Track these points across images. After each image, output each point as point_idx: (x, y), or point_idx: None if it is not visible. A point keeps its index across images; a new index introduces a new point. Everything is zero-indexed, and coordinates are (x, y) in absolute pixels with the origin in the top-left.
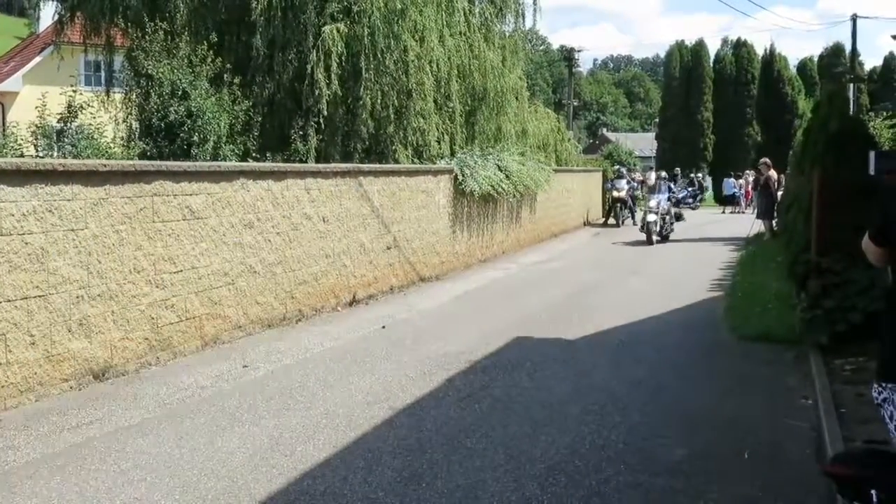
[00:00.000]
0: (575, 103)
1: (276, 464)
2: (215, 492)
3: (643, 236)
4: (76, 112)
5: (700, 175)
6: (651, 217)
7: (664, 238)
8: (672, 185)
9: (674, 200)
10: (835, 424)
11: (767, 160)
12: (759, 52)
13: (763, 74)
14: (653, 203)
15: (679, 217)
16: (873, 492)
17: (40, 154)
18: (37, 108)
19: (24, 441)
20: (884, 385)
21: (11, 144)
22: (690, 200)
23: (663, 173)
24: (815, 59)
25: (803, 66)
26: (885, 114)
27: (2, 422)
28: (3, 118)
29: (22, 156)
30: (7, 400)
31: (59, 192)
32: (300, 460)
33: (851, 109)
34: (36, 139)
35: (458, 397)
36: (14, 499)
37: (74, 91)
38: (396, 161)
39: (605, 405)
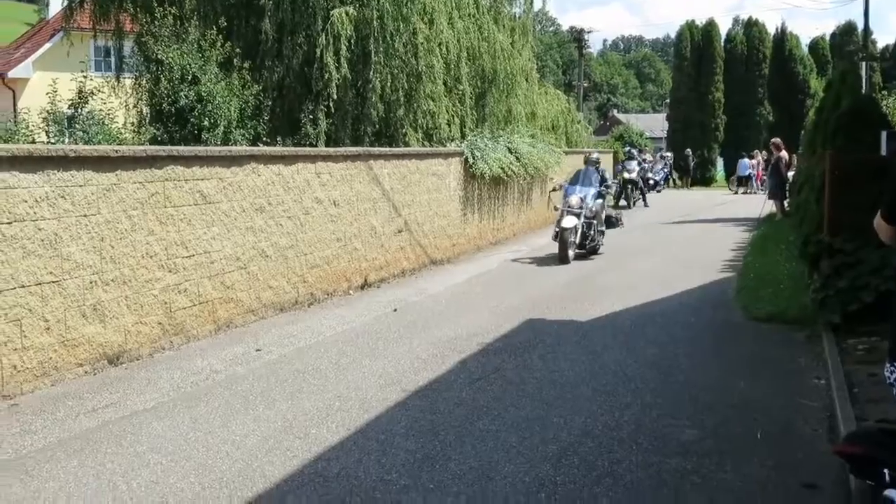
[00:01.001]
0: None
1: (290, 446)
2: (230, 474)
3: (656, 218)
4: (87, 98)
5: (668, 154)
6: (568, 222)
7: (589, 251)
8: (605, 177)
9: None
10: (847, 404)
11: (778, 140)
12: (771, 30)
13: (775, 54)
14: (574, 200)
15: (613, 222)
16: (886, 471)
17: (52, 140)
18: (47, 94)
19: (40, 425)
20: None
21: (23, 131)
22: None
23: (595, 155)
24: (827, 37)
25: (815, 45)
26: None
27: (19, 406)
28: (15, 105)
29: (33, 142)
30: (24, 384)
31: (70, 177)
32: (314, 443)
33: (864, 88)
34: (47, 125)
35: (471, 379)
36: (31, 482)
37: (85, 77)
38: (407, 144)
39: (617, 386)
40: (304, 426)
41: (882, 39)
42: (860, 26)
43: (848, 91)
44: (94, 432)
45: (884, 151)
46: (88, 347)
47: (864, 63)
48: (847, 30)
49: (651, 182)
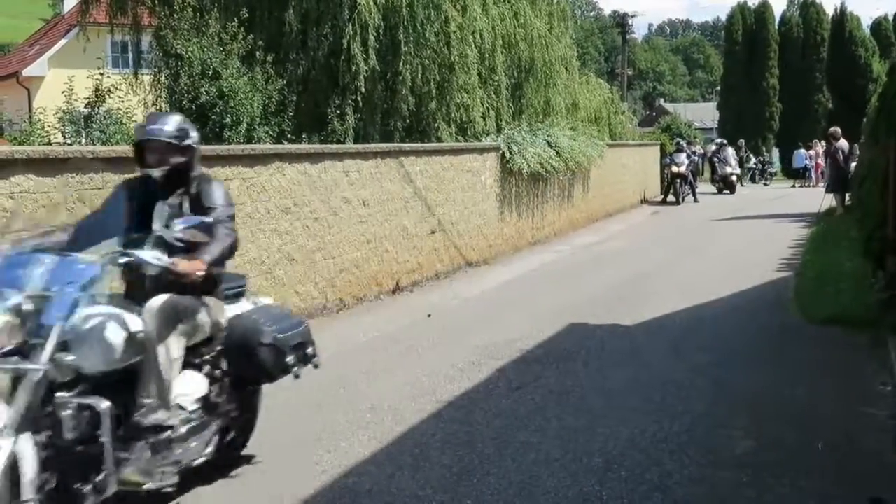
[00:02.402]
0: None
1: (320, 460)
2: (257, 489)
3: (705, 214)
4: (104, 96)
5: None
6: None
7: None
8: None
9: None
10: None
11: (837, 129)
12: (829, 11)
13: (833, 36)
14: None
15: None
16: None
17: (68, 141)
18: (63, 92)
19: None
20: None
21: (38, 132)
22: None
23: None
24: (891, 17)
25: (877, 26)
26: None
27: None
28: (30, 104)
29: (49, 143)
30: None
31: (89, 180)
32: (344, 456)
33: None
34: (63, 125)
35: (510, 388)
36: None
37: (102, 74)
38: (439, 139)
39: (665, 395)
40: (334, 439)
41: None
42: None
43: None
44: None
45: None
46: None
47: None
48: None
49: (733, 177)
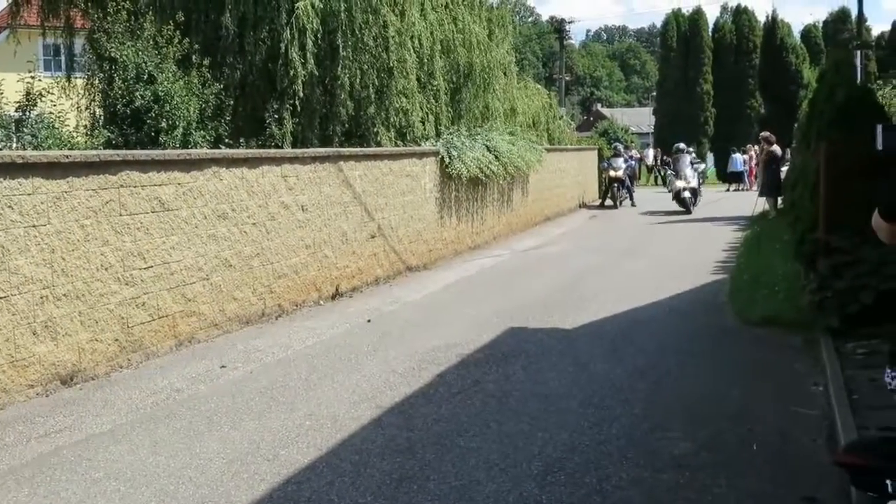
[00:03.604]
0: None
1: (258, 469)
2: (194, 500)
3: (642, 218)
4: (35, 100)
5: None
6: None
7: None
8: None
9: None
10: (847, 412)
11: (769, 133)
12: (761, 18)
13: (765, 43)
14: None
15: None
16: (889, 482)
17: None
18: None
19: None
20: None
21: None
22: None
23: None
24: (820, 24)
25: (807, 33)
26: (894, 82)
27: None
28: None
29: None
30: None
31: (18, 186)
32: (283, 465)
33: (859, 78)
34: None
35: (450, 393)
36: None
37: (33, 77)
38: (378, 144)
39: (605, 397)
40: (273, 447)
41: (877, 26)
42: (854, 12)
43: (842, 81)
44: (47, 458)
45: (879, 145)
46: (40, 367)
47: (858, 51)
48: (840, 16)
49: (686, 193)
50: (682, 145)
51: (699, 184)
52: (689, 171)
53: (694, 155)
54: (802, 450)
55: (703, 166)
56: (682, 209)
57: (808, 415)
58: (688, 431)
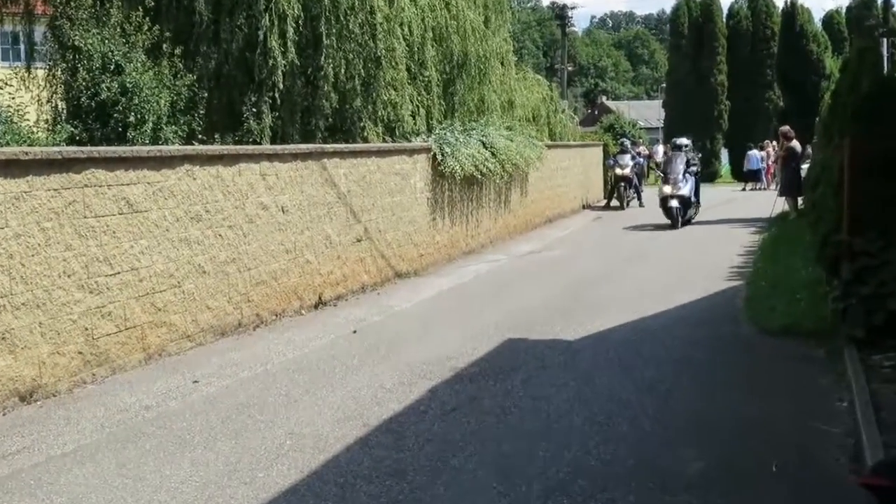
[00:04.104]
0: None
1: (234, 493)
2: None
3: (651, 219)
4: None
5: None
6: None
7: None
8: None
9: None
10: (874, 429)
11: (788, 128)
12: (779, 4)
13: (784, 30)
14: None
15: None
16: None
17: None
18: None
19: None
20: None
21: None
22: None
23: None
24: (843, 10)
25: (830, 20)
26: None
27: None
28: None
29: None
30: None
31: None
32: (261, 489)
33: (885, 67)
34: None
35: (443, 410)
36: None
37: None
38: (365, 140)
39: (611, 414)
40: (251, 470)
41: None
42: None
43: (867, 71)
44: (4, 482)
45: None
46: None
47: (885, 39)
48: (865, 2)
49: (674, 202)
50: (681, 140)
51: (693, 190)
52: (679, 174)
53: (693, 153)
54: (825, 470)
55: (695, 168)
56: (668, 222)
57: (832, 432)
58: (702, 450)
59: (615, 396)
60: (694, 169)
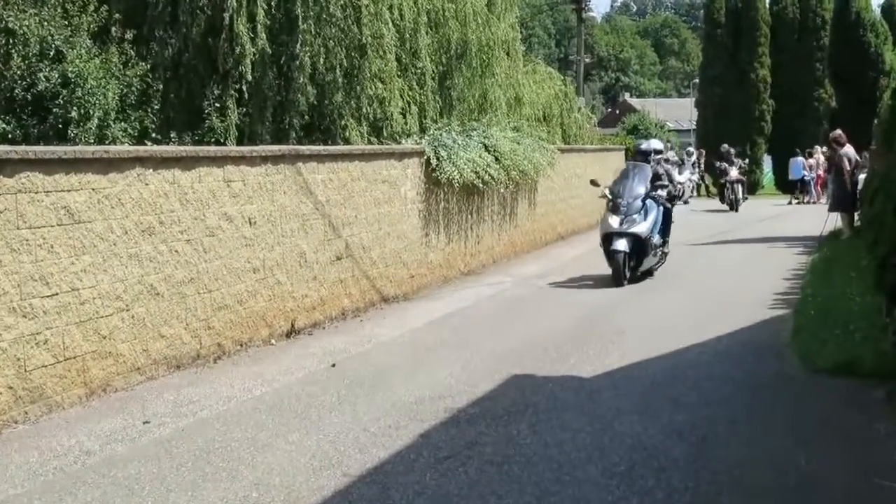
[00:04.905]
0: (587, 60)
1: None
2: None
3: (683, 237)
4: None
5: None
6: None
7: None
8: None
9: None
10: None
11: (840, 133)
12: None
13: (837, 18)
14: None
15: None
16: None
17: None
18: None
19: None
20: None
21: None
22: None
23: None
24: None
25: (890, 7)
26: None
27: None
28: None
29: None
30: None
31: None
32: None
33: None
34: None
35: (436, 459)
36: None
37: None
38: (347, 141)
39: (634, 465)
40: None
41: None
42: None
43: None
44: None
45: None
46: None
47: None
48: None
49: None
50: (651, 144)
51: (658, 226)
52: (634, 199)
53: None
54: None
55: (669, 189)
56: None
57: (892, 488)
58: None
59: (639, 444)
60: (663, 192)
